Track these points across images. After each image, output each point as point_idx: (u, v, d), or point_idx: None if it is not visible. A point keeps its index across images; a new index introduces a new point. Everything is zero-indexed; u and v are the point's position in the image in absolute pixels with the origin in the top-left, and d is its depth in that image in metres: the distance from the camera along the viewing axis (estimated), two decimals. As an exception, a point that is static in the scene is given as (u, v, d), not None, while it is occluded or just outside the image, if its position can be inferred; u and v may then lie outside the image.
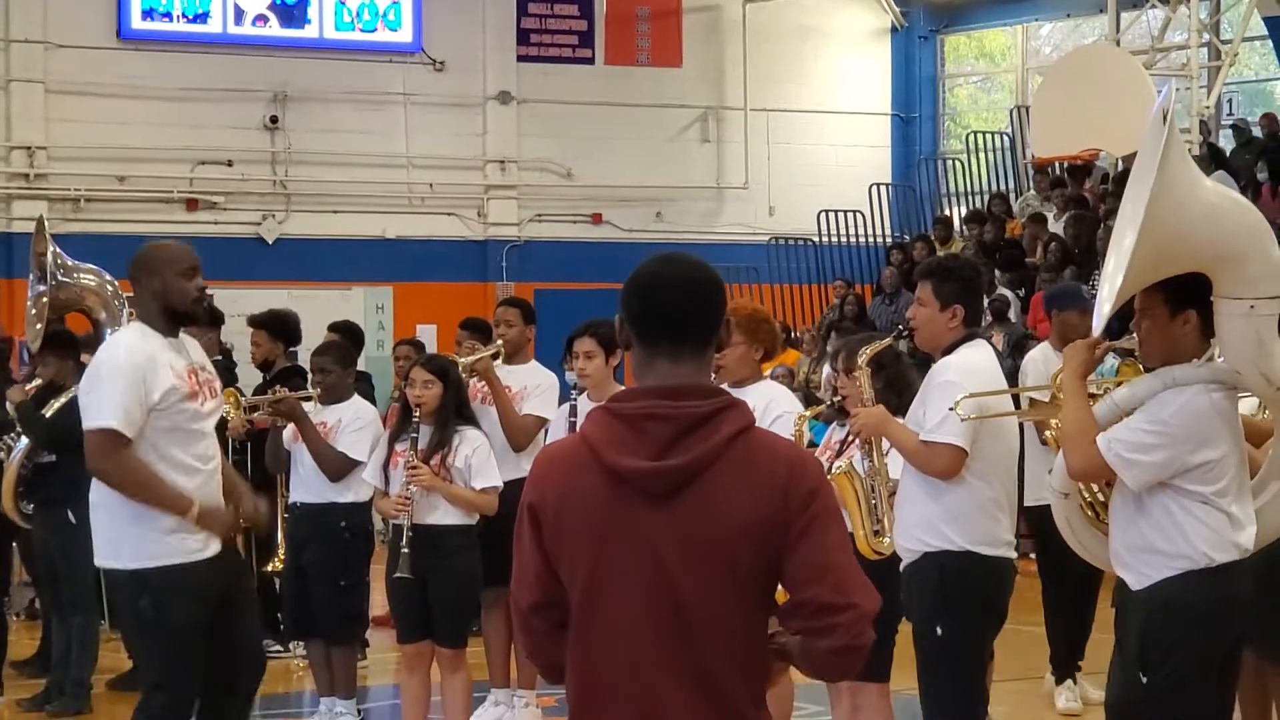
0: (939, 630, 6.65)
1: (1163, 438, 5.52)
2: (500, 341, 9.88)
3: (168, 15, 22.29)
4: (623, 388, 9.68)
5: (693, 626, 3.65)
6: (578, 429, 4.06)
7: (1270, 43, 23.04)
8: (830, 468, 7.38)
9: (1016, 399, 7.24)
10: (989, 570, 6.67)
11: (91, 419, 6.52)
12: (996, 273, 19.77)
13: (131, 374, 6.48)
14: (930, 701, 6.80)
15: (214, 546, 6.67)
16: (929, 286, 6.75)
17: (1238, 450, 5.64)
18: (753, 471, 3.68)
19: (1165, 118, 5.36)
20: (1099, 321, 5.71)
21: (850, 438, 7.31)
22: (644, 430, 3.68)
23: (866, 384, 7.02)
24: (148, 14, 22.16)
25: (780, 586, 3.75)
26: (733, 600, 3.67)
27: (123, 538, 6.61)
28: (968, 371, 6.58)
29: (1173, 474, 5.54)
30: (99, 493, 6.68)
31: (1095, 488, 5.90)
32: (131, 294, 6.83)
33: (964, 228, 22.49)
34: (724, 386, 7.76)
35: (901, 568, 6.82)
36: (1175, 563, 5.56)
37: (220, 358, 11.22)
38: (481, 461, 8.59)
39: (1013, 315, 18.83)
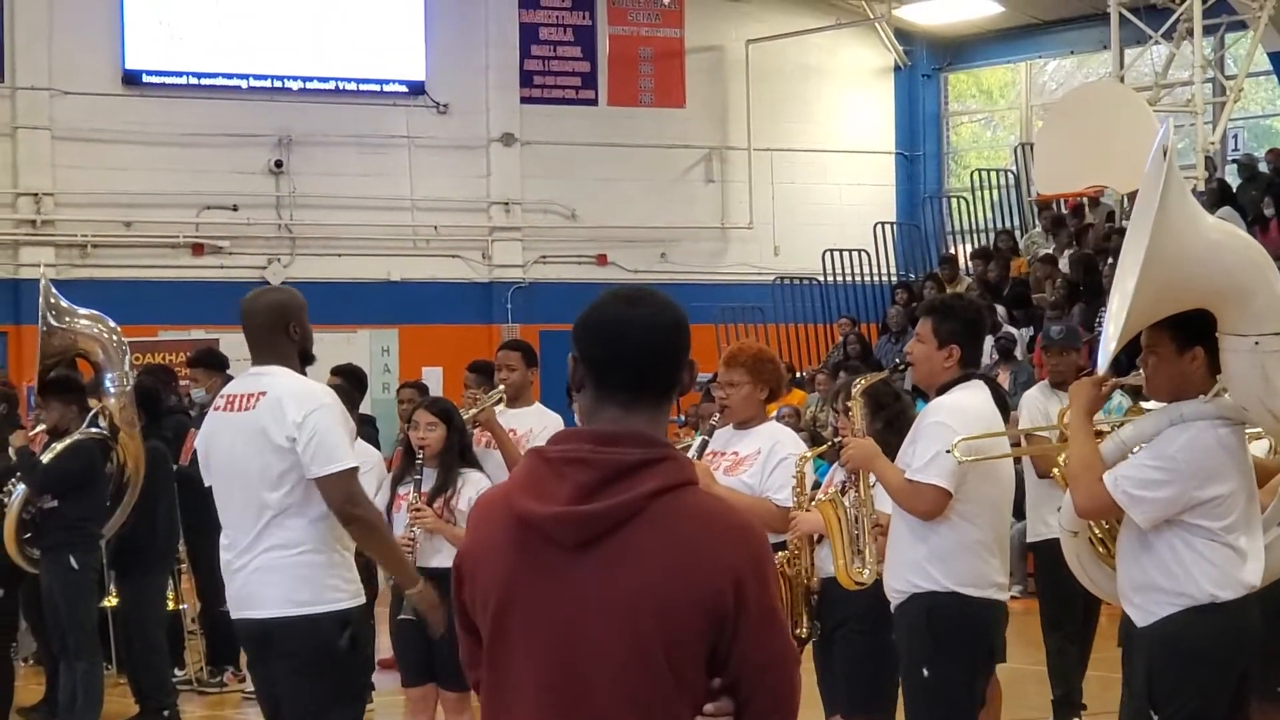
0: (926, 672, 6.61)
1: (1170, 474, 5.50)
2: (502, 387, 9.85)
3: (172, 60, 22.33)
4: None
5: (592, 698, 3.28)
6: None
7: (1275, 78, 23.06)
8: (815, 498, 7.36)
9: (1016, 441, 7.19)
10: (976, 612, 6.62)
11: (333, 463, 6.17)
12: (1001, 310, 19.76)
13: (340, 411, 6.32)
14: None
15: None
16: (929, 324, 6.74)
17: (1247, 485, 5.62)
18: (677, 535, 3.28)
19: (1165, 154, 5.34)
20: (1104, 359, 5.69)
21: (852, 478, 7.28)
22: (562, 475, 3.30)
23: (859, 416, 6.98)
24: (152, 59, 22.22)
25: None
26: (638, 672, 3.27)
27: (319, 581, 6.27)
28: (959, 413, 6.53)
29: (1181, 509, 5.52)
30: (284, 536, 6.25)
31: (1105, 523, 5.87)
32: (262, 341, 6.34)
33: (970, 264, 22.47)
34: (730, 427, 7.83)
35: (892, 609, 6.78)
36: (1177, 599, 5.55)
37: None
38: (485, 504, 8.54)
39: (1019, 353, 18.80)
